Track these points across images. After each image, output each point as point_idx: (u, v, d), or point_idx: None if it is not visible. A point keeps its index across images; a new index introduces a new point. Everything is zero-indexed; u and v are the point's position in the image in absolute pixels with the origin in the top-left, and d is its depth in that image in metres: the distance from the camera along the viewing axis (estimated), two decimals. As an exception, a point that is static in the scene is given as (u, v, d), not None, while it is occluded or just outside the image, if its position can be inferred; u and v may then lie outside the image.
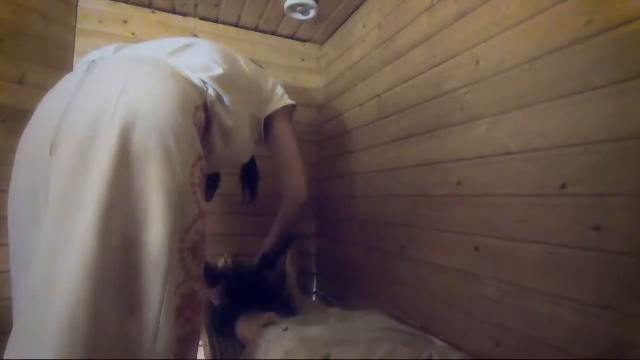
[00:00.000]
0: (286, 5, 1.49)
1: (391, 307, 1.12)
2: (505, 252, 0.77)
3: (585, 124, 0.63)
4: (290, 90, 1.81)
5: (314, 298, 1.75)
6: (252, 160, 1.19)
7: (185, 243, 0.59)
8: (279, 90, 1.08)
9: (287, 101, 1.08)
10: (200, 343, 1.37)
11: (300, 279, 1.69)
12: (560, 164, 0.67)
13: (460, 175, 0.91)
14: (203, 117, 0.73)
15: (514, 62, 0.77)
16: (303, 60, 1.84)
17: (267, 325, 0.92)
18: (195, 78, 0.74)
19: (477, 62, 0.87)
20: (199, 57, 0.79)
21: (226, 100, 0.80)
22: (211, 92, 0.77)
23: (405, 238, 1.10)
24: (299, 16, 1.57)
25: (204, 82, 0.76)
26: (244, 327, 1.17)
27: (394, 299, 1.14)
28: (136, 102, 0.59)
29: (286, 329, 0.84)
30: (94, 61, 0.73)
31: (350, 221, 1.47)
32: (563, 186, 0.66)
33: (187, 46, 0.80)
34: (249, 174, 1.25)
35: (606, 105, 0.59)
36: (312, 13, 1.54)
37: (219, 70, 0.78)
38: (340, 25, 1.67)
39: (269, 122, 1.05)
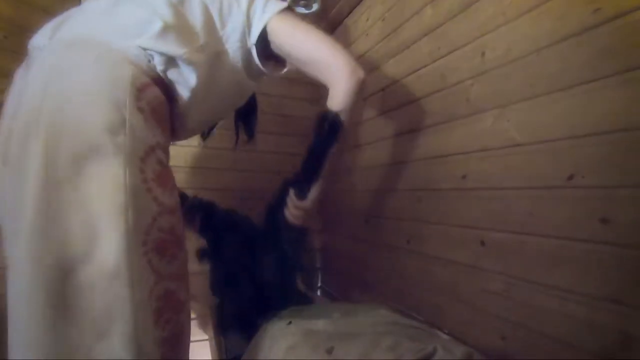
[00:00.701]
0: (289, -2, 1.48)
1: (396, 301, 1.12)
2: (512, 245, 0.76)
3: (593, 114, 0.61)
4: (291, 84, 1.82)
5: (318, 293, 1.76)
6: (251, 96, 1.02)
7: (148, 245, 0.54)
8: (257, 3, 0.81)
9: (272, 10, 0.81)
10: (206, 337, 1.39)
11: (304, 273, 1.70)
12: (568, 155, 0.66)
13: (465, 169, 0.90)
14: (157, 92, 0.64)
15: (521, 52, 0.76)
16: (306, 54, 1.82)
17: (270, 318, 0.92)
18: (132, 48, 0.62)
19: (483, 54, 0.85)
20: (134, 12, 0.65)
21: (182, 58, 0.65)
22: (157, 60, 0.64)
23: (410, 232, 1.10)
24: (301, 10, 1.55)
25: (145, 50, 0.63)
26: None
27: (398, 292, 1.14)
28: (59, 107, 0.53)
29: (290, 323, 0.84)
30: (32, 54, 0.67)
31: (354, 216, 1.47)
32: (570, 177, 0.65)
33: None
34: (246, 109, 1.05)
35: (615, 95, 0.58)
36: (315, 6, 1.52)
37: (158, 25, 0.63)
38: (344, 19, 1.65)
39: (264, 44, 0.82)
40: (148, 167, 0.57)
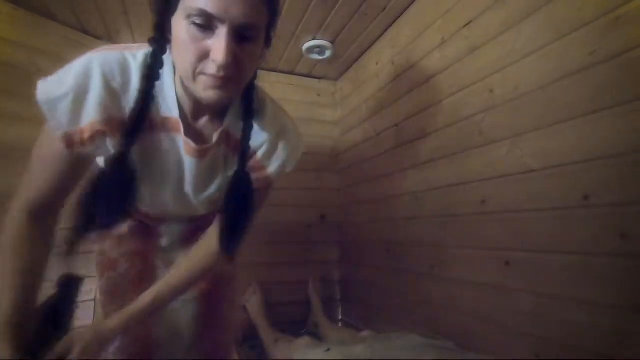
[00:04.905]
0: (304, 47, 1.63)
1: (423, 328, 1.14)
2: (536, 264, 0.81)
3: (601, 139, 0.69)
4: (307, 123, 1.93)
5: (339, 325, 1.75)
6: None
7: None
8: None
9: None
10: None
11: (324, 306, 1.71)
12: (582, 178, 0.73)
13: (483, 194, 0.96)
14: None
15: (528, 88, 0.85)
16: (319, 95, 1.96)
17: (306, 347, 0.95)
18: None
19: (491, 91, 0.95)
20: None
21: None
22: None
23: (434, 258, 1.14)
24: (315, 56, 1.70)
25: None
26: (277, 352, 1.19)
27: (425, 319, 1.16)
28: None
29: (328, 350, 0.87)
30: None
31: (375, 245, 1.51)
32: (586, 198, 0.72)
33: None
34: None
35: (620, 123, 0.66)
36: (328, 53, 1.67)
37: None
38: (354, 63, 1.79)
39: None
40: None
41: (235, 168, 0.63)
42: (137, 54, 0.55)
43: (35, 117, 1.35)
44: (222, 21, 0.46)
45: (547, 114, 0.80)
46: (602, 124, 0.69)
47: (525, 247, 0.85)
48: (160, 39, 0.53)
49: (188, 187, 0.66)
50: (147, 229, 0.83)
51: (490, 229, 0.94)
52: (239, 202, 0.62)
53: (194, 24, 0.46)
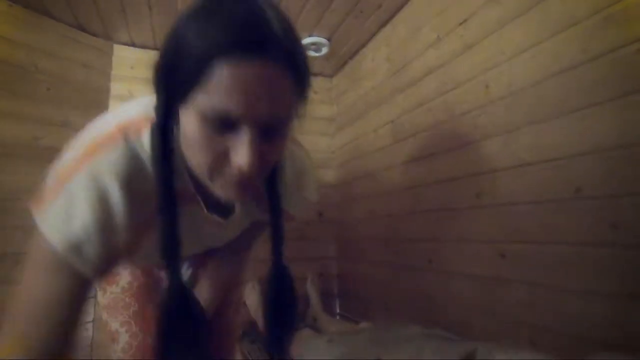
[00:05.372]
0: (301, 44, 1.64)
1: (421, 320, 1.16)
2: (531, 255, 0.84)
3: (593, 133, 0.72)
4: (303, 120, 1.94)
5: (337, 319, 1.78)
6: None
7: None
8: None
9: None
10: None
11: (322, 301, 1.73)
12: (574, 171, 0.75)
13: (479, 188, 0.99)
14: None
15: (521, 85, 0.87)
16: (315, 92, 1.97)
17: (306, 339, 0.97)
18: None
19: (487, 87, 0.98)
20: None
21: None
22: None
23: (431, 251, 1.17)
24: (312, 53, 1.71)
25: None
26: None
27: (423, 311, 1.19)
28: None
29: (330, 340, 0.89)
30: None
31: (372, 240, 1.54)
32: (578, 190, 0.74)
33: None
34: None
35: (610, 117, 0.69)
36: (324, 50, 1.68)
37: None
38: (349, 60, 1.81)
39: None
40: None
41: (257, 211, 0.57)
42: (140, 139, 0.44)
43: (31, 115, 1.35)
44: (246, 121, 0.37)
45: (540, 110, 0.83)
46: (593, 119, 0.72)
47: (519, 239, 0.87)
48: (165, 126, 0.43)
49: (209, 242, 0.63)
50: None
51: (485, 222, 0.97)
52: (282, 300, 0.55)
53: (212, 124, 0.37)
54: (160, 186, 0.43)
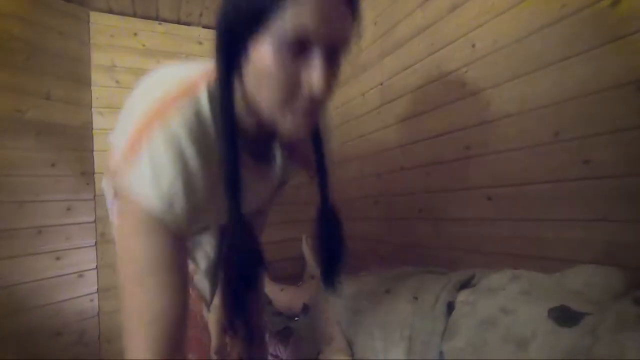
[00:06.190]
0: (285, 9, 1.63)
1: (414, 264, 1.28)
2: (514, 196, 0.95)
3: (570, 83, 0.81)
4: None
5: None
6: None
7: None
8: None
9: None
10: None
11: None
12: (552, 118, 0.85)
13: (468, 141, 1.08)
14: None
15: (506, 41, 0.95)
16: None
17: (315, 288, 1.06)
18: None
19: (473, 45, 1.05)
20: None
21: None
22: None
23: (422, 203, 1.27)
24: (296, 18, 1.71)
25: None
26: (287, 299, 1.30)
27: (415, 256, 1.31)
28: None
29: (340, 284, 0.98)
30: None
31: (363, 199, 1.63)
32: (556, 134, 0.85)
33: None
34: None
35: (586, 68, 0.78)
36: (309, 15, 1.68)
37: None
38: (333, 25, 1.82)
39: None
40: None
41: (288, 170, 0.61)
42: (201, 93, 0.46)
43: (10, 86, 1.30)
44: (319, 41, 0.40)
45: (523, 64, 0.91)
46: (570, 70, 0.81)
47: (504, 183, 0.98)
48: (230, 70, 0.45)
49: (254, 199, 0.64)
50: None
51: (473, 171, 1.07)
52: (333, 237, 0.60)
53: (287, 49, 0.40)
54: (226, 140, 0.46)
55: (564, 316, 0.52)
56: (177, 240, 0.44)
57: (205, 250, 0.74)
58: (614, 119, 0.74)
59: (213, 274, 0.74)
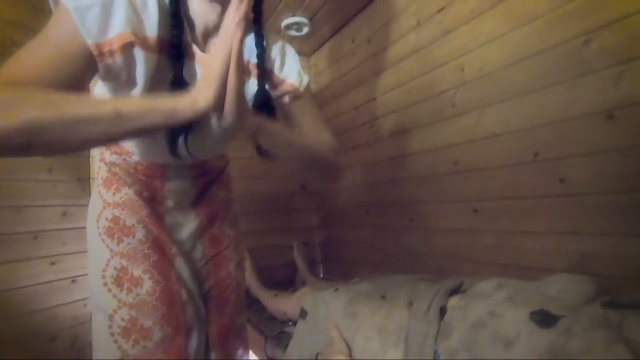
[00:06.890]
0: (283, 24, 1.70)
1: (403, 272, 1.35)
2: (498, 209, 1.04)
3: (549, 109, 0.90)
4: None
5: (323, 282, 1.94)
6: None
7: (106, 279, 0.74)
8: None
9: None
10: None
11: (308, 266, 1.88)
12: (533, 139, 0.94)
13: (456, 157, 1.17)
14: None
15: (492, 68, 1.04)
16: (294, 71, 2.04)
17: (312, 293, 1.11)
18: None
19: (462, 70, 1.14)
20: None
21: None
22: None
23: (413, 212, 1.35)
24: (293, 33, 1.77)
25: None
26: (281, 304, 1.34)
27: (405, 264, 1.38)
28: None
29: (336, 289, 1.03)
30: None
31: (354, 208, 1.70)
32: (536, 154, 0.94)
33: None
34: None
35: (562, 96, 0.87)
36: (305, 30, 1.76)
37: None
38: (327, 40, 1.90)
39: None
40: (100, 223, 0.78)
41: (253, 88, 0.66)
42: None
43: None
44: None
45: (508, 89, 1.00)
46: (550, 97, 0.91)
47: (489, 197, 1.07)
48: None
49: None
50: (152, 191, 0.82)
51: (461, 184, 1.16)
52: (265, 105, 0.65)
53: None
54: (174, 18, 0.56)
55: (544, 319, 0.60)
56: (84, 51, 0.52)
57: None
58: (587, 142, 0.83)
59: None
